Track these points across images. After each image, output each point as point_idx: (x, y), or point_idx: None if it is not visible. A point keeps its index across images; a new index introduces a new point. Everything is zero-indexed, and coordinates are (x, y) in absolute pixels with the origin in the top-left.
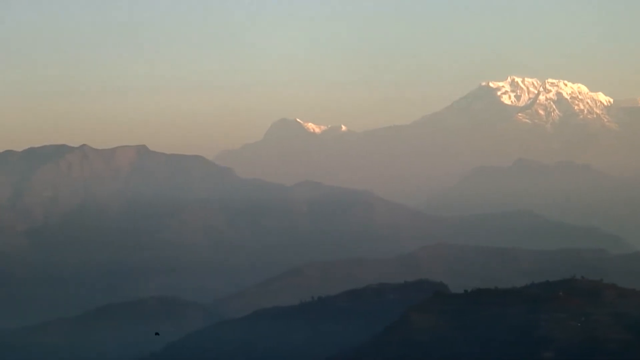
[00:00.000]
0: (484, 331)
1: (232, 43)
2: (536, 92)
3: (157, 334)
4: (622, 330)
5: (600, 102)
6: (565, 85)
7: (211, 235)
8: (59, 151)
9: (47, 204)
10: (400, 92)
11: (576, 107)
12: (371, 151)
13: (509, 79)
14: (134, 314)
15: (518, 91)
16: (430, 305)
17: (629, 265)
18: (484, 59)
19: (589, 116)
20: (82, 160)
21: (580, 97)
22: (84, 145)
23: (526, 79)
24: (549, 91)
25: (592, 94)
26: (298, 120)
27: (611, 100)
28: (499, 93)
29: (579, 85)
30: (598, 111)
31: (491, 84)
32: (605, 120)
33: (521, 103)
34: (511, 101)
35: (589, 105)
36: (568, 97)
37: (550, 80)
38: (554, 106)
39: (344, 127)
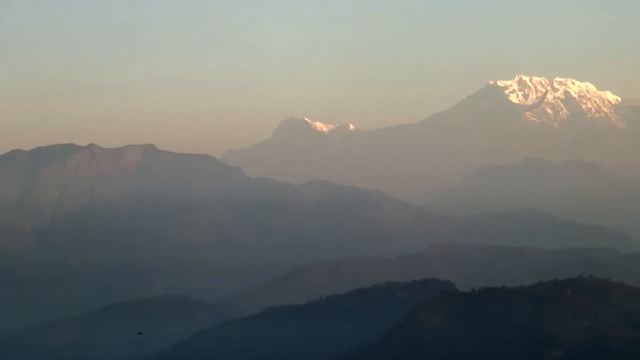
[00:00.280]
0: (491, 330)
1: (235, 43)
2: (544, 91)
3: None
4: (629, 329)
5: (608, 100)
6: (573, 84)
7: (219, 235)
8: (67, 150)
9: (54, 203)
10: (408, 91)
11: (584, 106)
12: (379, 150)
13: (516, 78)
14: (142, 314)
15: (526, 90)
16: (437, 305)
17: (636, 263)
18: (491, 58)
19: (596, 115)
20: (90, 160)
21: (588, 95)
22: (91, 144)
23: (534, 77)
24: (557, 90)
25: (600, 92)
26: (306, 119)
27: (619, 98)
28: (506, 92)
29: (587, 84)
30: (606, 110)
31: (499, 83)
32: (613, 119)
33: (529, 102)
34: (519, 100)
35: (597, 104)
36: (576, 96)
37: (558, 79)
38: (561, 105)
39: (351, 126)
